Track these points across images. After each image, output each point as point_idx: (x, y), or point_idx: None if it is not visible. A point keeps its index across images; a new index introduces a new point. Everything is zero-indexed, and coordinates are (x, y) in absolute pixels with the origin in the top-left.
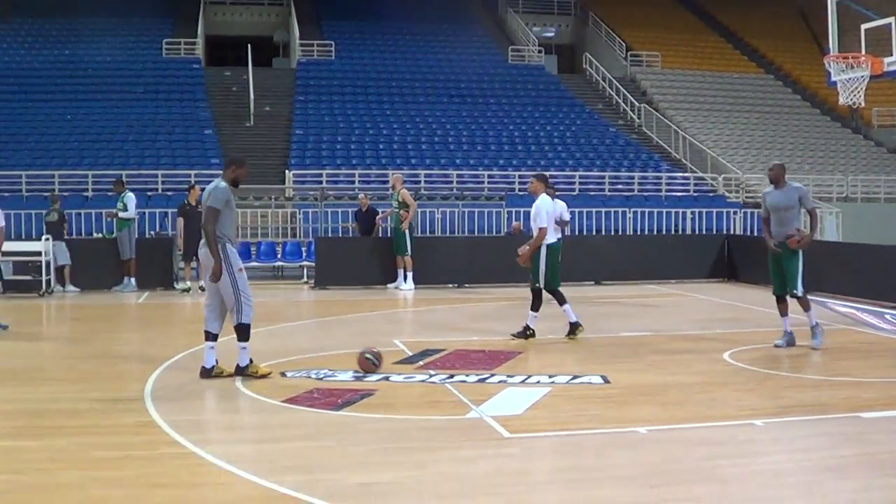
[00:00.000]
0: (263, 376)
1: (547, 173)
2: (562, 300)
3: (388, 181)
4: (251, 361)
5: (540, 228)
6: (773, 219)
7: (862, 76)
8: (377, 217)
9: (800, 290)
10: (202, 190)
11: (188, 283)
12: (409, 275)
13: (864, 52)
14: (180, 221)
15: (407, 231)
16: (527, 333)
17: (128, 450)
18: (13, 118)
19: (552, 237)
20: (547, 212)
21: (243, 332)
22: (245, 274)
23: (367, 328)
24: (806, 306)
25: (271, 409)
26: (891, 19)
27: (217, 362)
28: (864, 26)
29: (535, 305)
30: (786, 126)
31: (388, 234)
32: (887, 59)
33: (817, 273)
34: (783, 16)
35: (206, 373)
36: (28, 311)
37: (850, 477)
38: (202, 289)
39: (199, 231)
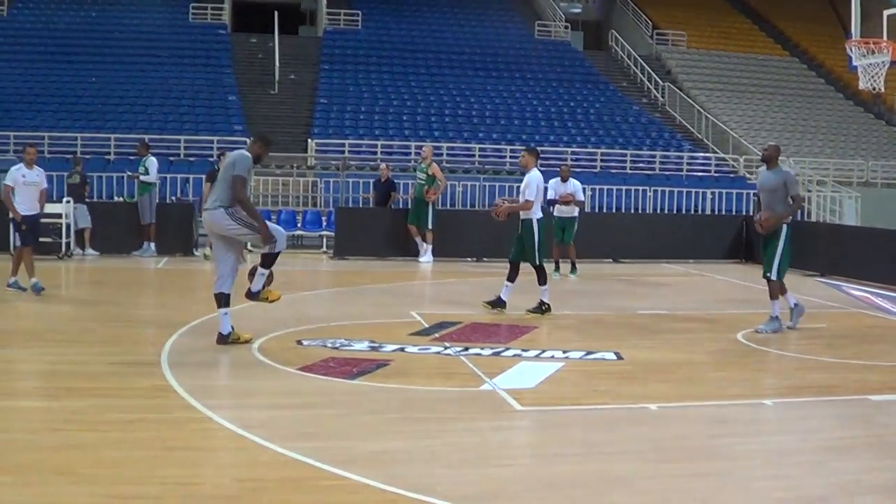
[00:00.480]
0: (275, 300)
1: (569, 150)
2: (513, 278)
3: (409, 153)
4: (264, 287)
5: (526, 200)
6: (762, 199)
7: (882, 62)
8: (410, 195)
9: (773, 274)
10: None
11: (209, 249)
12: (429, 248)
13: (885, 38)
14: (207, 187)
15: (430, 204)
16: (542, 308)
17: (143, 413)
18: (38, 79)
19: (538, 213)
20: (537, 186)
21: (272, 260)
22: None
23: (385, 299)
24: (774, 294)
25: (286, 377)
26: None
27: (233, 328)
28: (886, 12)
29: (542, 279)
30: (808, 109)
31: (408, 206)
32: None
33: (834, 256)
34: None
35: (223, 339)
36: (47, 273)
37: (855, 457)
38: (206, 256)
39: None
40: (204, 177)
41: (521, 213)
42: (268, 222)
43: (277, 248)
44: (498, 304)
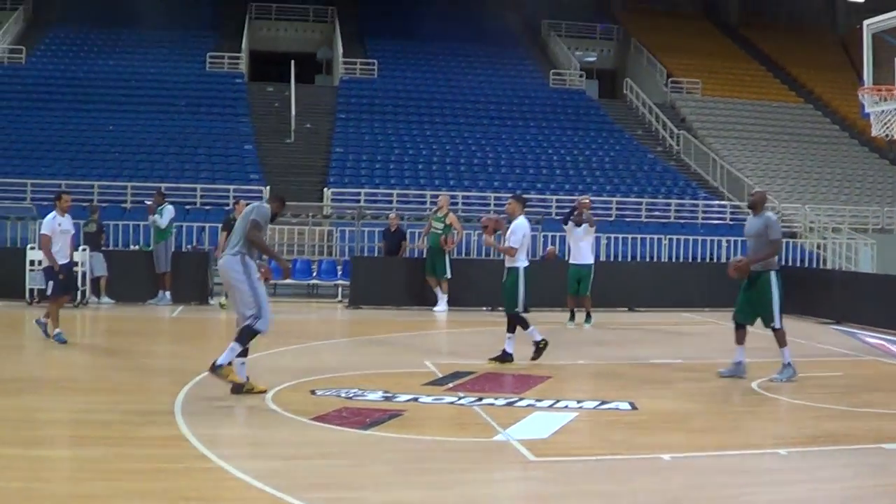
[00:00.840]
0: (232, 383)
1: (587, 199)
2: (513, 329)
3: (425, 202)
4: (230, 364)
5: (510, 247)
6: (748, 245)
7: (895, 108)
8: (417, 244)
9: (777, 323)
10: (247, 204)
11: (224, 297)
12: (445, 297)
13: None
14: (223, 236)
15: (447, 252)
16: (540, 346)
17: (157, 462)
18: (56, 127)
19: (524, 261)
20: (524, 234)
21: (249, 336)
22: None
23: (399, 349)
24: (782, 342)
25: (300, 427)
26: None
27: (248, 378)
28: None
29: (523, 325)
30: (823, 156)
31: (423, 255)
32: None
33: (849, 304)
34: (824, 46)
35: (238, 388)
36: (63, 321)
37: None
38: (222, 305)
39: None
40: (220, 225)
41: (506, 260)
42: (263, 300)
43: (259, 325)
44: (505, 358)
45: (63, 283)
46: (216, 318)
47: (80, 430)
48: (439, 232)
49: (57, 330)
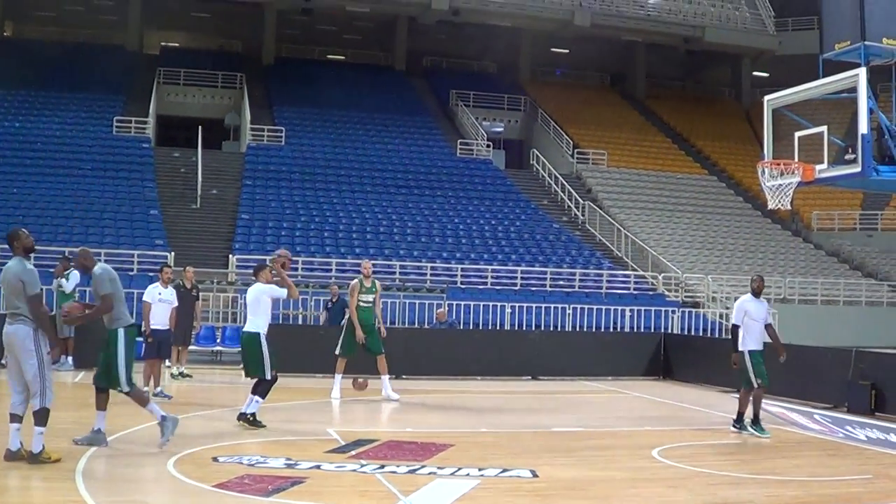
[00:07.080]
0: (57, 461)
1: (490, 267)
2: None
3: (330, 269)
4: (44, 448)
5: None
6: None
7: (790, 183)
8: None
9: (125, 386)
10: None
11: (182, 367)
12: (387, 377)
13: (796, 159)
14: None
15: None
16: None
17: None
18: None
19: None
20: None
21: (45, 417)
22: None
23: (302, 416)
24: (100, 405)
25: (202, 494)
26: (823, 128)
27: (22, 444)
28: (797, 134)
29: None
30: (727, 227)
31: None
32: (818, 167)
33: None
34: (729, 118)
35: (11, 455)
36: None
37: None
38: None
39: (191, 314)
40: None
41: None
42: (49, 373)
43: (48, 402)
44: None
45: (151, 347)
46: None
47: None
48: (370, 305)
49: (159, 388)
